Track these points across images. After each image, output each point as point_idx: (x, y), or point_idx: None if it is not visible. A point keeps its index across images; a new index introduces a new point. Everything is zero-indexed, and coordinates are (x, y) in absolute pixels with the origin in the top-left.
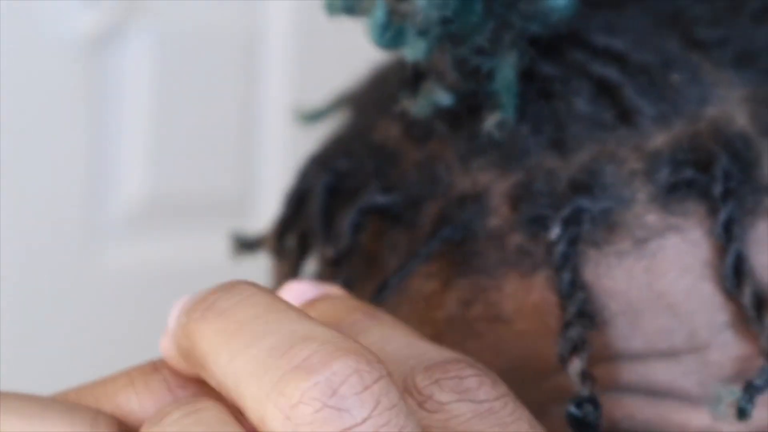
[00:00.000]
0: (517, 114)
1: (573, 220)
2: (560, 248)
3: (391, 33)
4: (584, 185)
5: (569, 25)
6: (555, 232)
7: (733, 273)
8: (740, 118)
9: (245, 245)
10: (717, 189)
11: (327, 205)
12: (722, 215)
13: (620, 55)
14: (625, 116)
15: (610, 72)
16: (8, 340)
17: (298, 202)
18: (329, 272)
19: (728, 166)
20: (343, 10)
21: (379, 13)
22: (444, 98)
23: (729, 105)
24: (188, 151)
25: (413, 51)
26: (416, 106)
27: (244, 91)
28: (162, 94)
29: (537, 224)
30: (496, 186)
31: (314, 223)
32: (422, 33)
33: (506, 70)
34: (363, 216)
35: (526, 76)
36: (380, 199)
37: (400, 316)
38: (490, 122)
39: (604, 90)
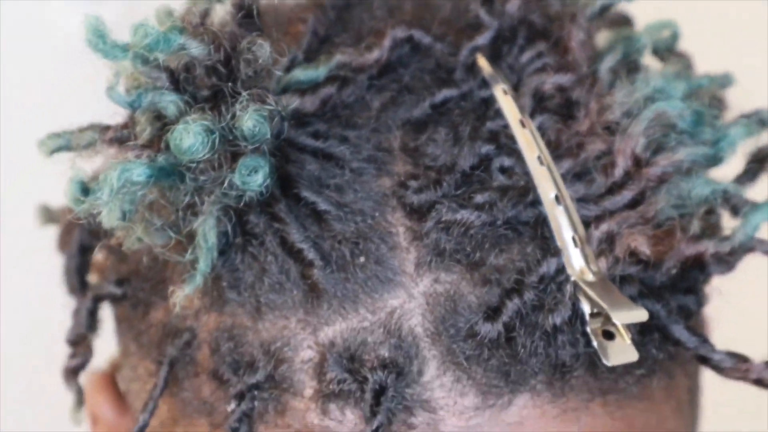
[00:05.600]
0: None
1: (244, 397)
2: (232, 422)
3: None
4: (265, 360)
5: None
6: (230, 406)
7: None
8: (416, 316)
9: None
10: (367, 404)
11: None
12: (371, 427)
13: (321, 216)
14: (310, 295)
15: (303, 245)
16: (8, 339)
17: None
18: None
19: (383, 381)
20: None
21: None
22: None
23: (409, 301)
24: None
25: (108, 218)
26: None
27: None
28: None
29: (217, 379)
30: (202, 327)
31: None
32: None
33: (206, 231)
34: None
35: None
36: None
37: None
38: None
39: (297, 261)
